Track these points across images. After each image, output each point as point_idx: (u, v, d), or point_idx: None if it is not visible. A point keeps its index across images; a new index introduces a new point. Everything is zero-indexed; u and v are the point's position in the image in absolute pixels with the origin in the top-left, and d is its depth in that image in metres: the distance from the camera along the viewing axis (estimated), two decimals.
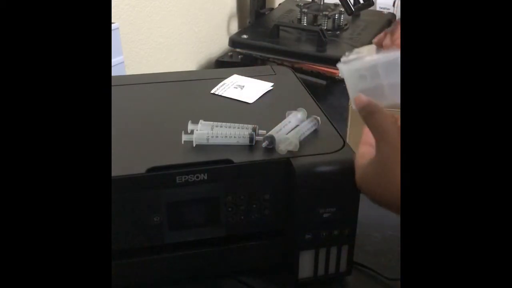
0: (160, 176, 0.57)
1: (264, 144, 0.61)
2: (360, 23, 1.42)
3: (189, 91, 0.78)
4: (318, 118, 0.67)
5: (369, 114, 0.52)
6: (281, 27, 1.35)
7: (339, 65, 0.56)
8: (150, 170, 0.57)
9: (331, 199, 0.59)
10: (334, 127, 0.67)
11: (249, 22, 1.56)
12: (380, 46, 0.62)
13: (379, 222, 0.78)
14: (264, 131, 0.64)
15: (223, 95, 0.76)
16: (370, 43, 1.35)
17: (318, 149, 0.62)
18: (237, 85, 0.78)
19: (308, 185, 0.58)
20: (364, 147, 0.57)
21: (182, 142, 0.61)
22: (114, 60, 1.02)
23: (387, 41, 0.61)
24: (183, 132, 0.62)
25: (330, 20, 1.40)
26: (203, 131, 0.63)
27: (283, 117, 0.69)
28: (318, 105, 0.73)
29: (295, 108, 0.70)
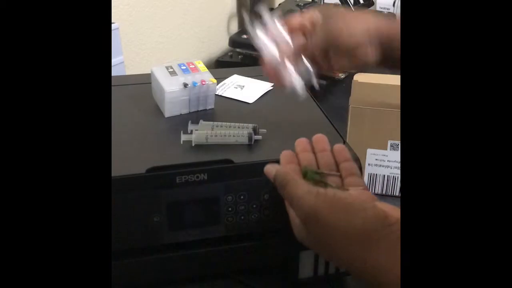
0: (160, 176, 0.57)
1: None
2: None
3: None
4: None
5: (282, 187, 0.49)
6: None
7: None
8: (150, 170, 0.56)
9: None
10: (334, 127, 0.67)
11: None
12: None
13: None
14: (265, 131, 0.64)
15: (223, 95, 0.76)
16: None
17: None
18: (237, 85, 0.78)
19: None
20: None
21: (181, 142, 0.62)
22: (114, 60, 1.02)
23: None
24: (181, 132, 0.62)
25: None
26: (202, 131, 0.63)
27: (283, 117, 0.69)
28: (318, 105, 0.73)
29: (295, 108, 0.70)
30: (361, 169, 0.57)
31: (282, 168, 0.52)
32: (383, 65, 0.60)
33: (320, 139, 0.57)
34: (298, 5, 1.46)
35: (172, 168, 0.57)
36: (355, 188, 0.51)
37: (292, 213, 0.49)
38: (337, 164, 0.54)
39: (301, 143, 0.57)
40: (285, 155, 0.55)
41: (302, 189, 0.47)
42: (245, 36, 1.35)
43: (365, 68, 0.61)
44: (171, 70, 0.70)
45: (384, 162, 0.85)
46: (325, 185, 0.51)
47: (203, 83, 0.70)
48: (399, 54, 0.52)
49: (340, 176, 0.53)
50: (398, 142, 0.83)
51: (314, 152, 0.56)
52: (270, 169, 0.52)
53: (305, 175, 0.52)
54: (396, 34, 0.56)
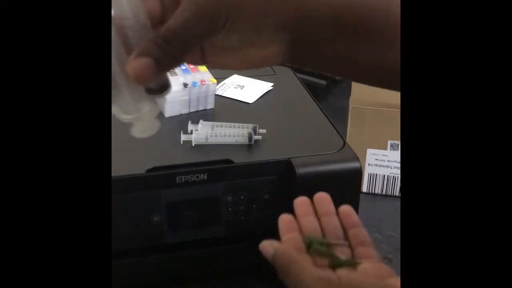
0: (160, 176, 0.57)
1: None
2: None
3: None
4: None
5: (283, 271, 0.42)
6: None
7: None
8: (150, 170, 0.57)
9: (331, 199, 0.59)
10: (334, 127, 0.67)
11: None
12: None
13: (379, 222, 0.78)
14: (265, 131, 0.64)
15: (223, 95, 0.76)
16: None
17: (318, 149, 0.62)
18: (237, 85, 0.78)
19: (308, 185, 0.58)
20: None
21: (181, 142, 0.62)
22: None
23: None
24: (181, 132, 0.62)
25: None
26: (202, 131, 0.63)
27: (283, 117, 0.69)
28: (318, 105, 0.73)
29: (295, 108, 0.70)
30: (357, 205, 0.55)
31: (282, 247, 0.43)
32: (295, 62, 0.39)
33: (323, 199, 0.49)
34: None
35: (172, 168, 0.57)
36: (368, 261, 0.44)
37: None
38: (344, 230, 0.47)
39: (302, 205, 0.48)
40: (284, 220, 0.47)
41: (310, 275, 0.40)
42: None
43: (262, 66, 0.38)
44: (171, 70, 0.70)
45: (384, 162, 0.84)
46: (333, 258, 0.44)
47: (203, 83, 0.70)
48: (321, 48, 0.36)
49: (350, 245, 0.46)
50: (398, 142, 0.83)
51: (317, 215, 0.48)
52: (267, 248, 0.43)
53: (309, 246, 0.45)
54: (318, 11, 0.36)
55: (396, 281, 0.41)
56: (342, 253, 0.45)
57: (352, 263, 0.44)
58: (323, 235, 0.47)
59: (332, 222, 0.47)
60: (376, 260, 0.44)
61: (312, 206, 0.49)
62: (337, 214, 0.48)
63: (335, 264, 0.43)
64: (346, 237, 0.47)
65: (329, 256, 0.44)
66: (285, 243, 0.45)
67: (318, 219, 0.48)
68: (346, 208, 0.48)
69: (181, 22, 0.33)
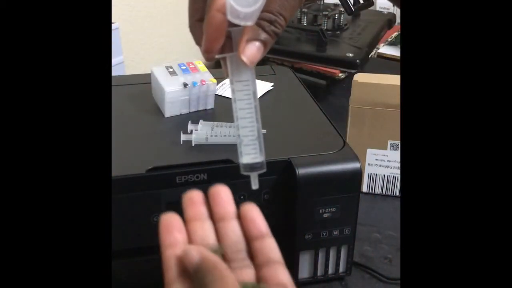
0: (160, 176, 0.57)
1: None
2: (360, 23, 1.41)
3: None
4: None
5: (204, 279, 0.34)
6: None
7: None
8: (150, 170, 0.57)
9: (331, 199, 0.59)
10: (334, 127, 0.67)
11: None
12: None
13: (379, 222, 0.78)
14: (264, 131, 0.64)
15: (223, 95, 0.76)
16: (370, 42, 1.34)
17: (318, 149, 0.62)
18: None
19: (308, 185, 0.58)
20: None
21: (181, 142, 0.62)
22: (114, 60, 1.02)
23: None
24: (181, 132, 0.62)
25: (330, 20, 1.39)
26: (202, 131, 0.63)
27: (283, 117, 0.69)
28: (318, 105, 0.73)
29: (295, 108, 0.70)
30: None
31: (212, 257, 0.35)
32: None
33: (221, 194, 0.39)
34: None
35: (172, 168, 0.57)
36: None
37: None
38: (247, 241, 0.38)
39: (193, 203, 0.38)
40: (167, 224, 0.37)
41: None
42: None
43: None
44: (171, 70, 0.71)
45: (384, 162, 0.84)
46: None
47: (203, 83, 0.70)
48: None
49: (254, 263, 0.37)
50: (398, 142, 0.82)
51: (211, 216, 0.39)
52: (192, 255, 0.35)
53: None
54: None
55: None
56: (244, 275, 0.36)
57: None
58: (218, 242, 0.37)
59: (231, 230, 0.38)
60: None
61: (205, 203, 0.39)
62: (239, 216, 0.38)
63: None
64: (250, 250, 0.37)
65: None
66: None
67: (214, 223, 0.38)
68: (249, 210, 0.38)
69: (281, 2, 0.36)
